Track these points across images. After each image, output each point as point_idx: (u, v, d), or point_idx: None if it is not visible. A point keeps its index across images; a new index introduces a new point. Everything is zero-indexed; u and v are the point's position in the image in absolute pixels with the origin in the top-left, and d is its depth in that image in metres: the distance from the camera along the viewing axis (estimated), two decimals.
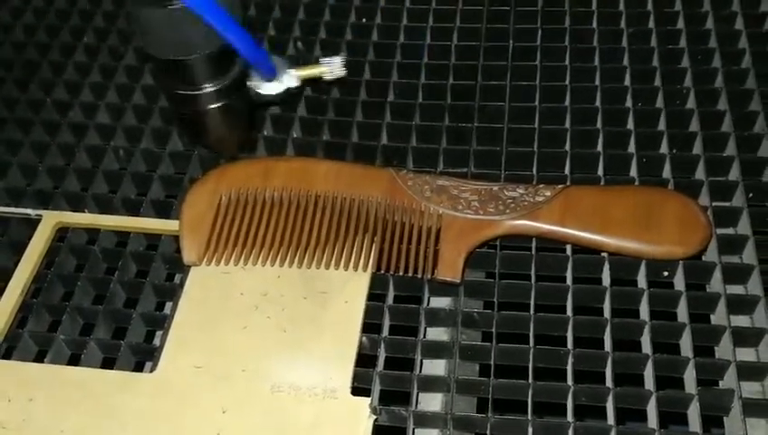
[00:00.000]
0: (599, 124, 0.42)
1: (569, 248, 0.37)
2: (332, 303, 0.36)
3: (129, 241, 0.39)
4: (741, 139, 0.40)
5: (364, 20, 0.48)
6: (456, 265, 0.36)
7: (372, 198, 0.38)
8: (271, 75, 0.38)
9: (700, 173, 0.40)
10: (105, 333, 0.37)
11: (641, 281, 0.36)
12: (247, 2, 0.50)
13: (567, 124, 0.42)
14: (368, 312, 0.35)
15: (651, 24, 0.46)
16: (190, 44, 0.34)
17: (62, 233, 0.40)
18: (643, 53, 0.45)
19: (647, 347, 0.34)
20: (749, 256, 0.37)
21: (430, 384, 0.35)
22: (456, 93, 0.44)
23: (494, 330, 0.35)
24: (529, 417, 0.32)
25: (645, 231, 0.36)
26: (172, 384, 0.34)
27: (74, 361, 0.36)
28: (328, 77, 0.39)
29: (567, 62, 0.45)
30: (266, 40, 0.47)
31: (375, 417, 0.32)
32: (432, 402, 0.35)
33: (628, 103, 0.43)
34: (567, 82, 0.44)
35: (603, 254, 0.37)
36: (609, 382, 0.33)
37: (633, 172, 0.40)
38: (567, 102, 0.43)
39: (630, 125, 0.42)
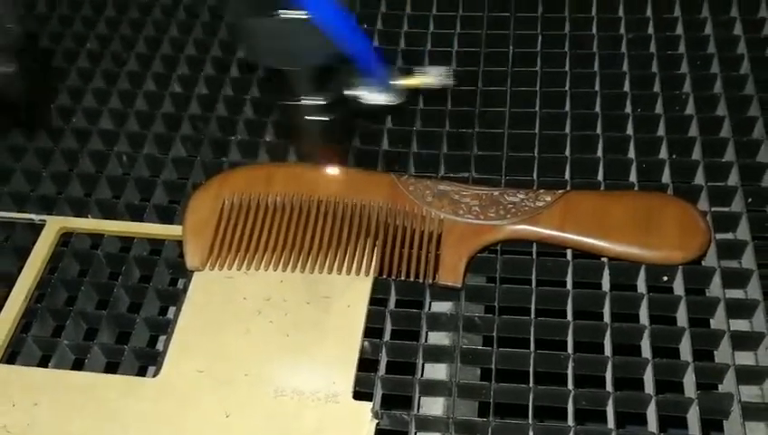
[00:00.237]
0: (598, 130, 0.42)
1: (569, 253, 0.37)
2: (335, 307, 0.36)
3: (132, 246, 0.40)
4: (740, 144, 0.40)
5: (365, 26, 0.48)
6: (457, 270, 0.36)
7: (374, 203, 0.38)
8: (381, 84, 0.36)
9: (699, 178, 0.40)
10: (109, 338, 0.37)
11: (641, 286, 0.36)
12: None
13: (567, 130, 0.42)
14: (370, 316, 0.36)
15: (650, 30, 0.46)
16: (298, 54, 0.33)
17: (65, 238, 0.40)
18: (642, 58, 0.45)
19: (646, 351, 0.35)
20: (748, 260, 0.37)
21: (432, 388, 0.35)
22: (456, 99, 0.44)
23: (494, 334, 0.35)
24: (530, 421, 0.33)
25: (644, 236, 0.36)
26: (175, 388, 0.34)
27: (78, 365, 0.36)
28: (432, 87, 0.37)
29: (567, 68, 0.45)
30: None
31: (377, 421, 0.33)
32: (434, 406, 0.35)
33: (628, 109, 0.43)
34: (567, 88, 0.44)
35: (603, 259, 0.37)
36: (609, 386, 0.34)
37: (633, 177, 0.40)
38: (567, 108, 0.43)
39: (630, 130, 0.42)
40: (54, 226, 0.40)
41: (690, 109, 0.43)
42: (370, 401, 0.33)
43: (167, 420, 0.33)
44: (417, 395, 0.34)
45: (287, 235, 0.37)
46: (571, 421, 0.33)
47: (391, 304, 0.37)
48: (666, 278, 0.37)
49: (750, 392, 0.34)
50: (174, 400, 0.34)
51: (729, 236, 0.39)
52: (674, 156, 0.41)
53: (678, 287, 0.36)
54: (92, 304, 0.39)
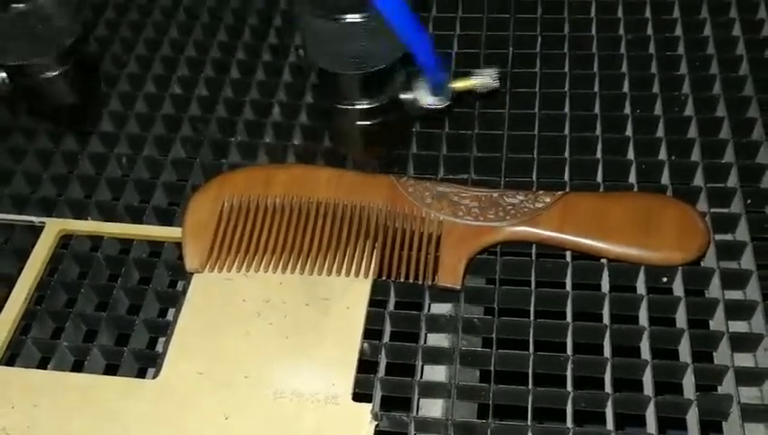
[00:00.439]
0: (598, 131, 0.42)
1: (568, 254, 0.37)
2: (334, 309, 0.36)
3: (132, 248, 0.40)
4: (739, 145, 0.40)
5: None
6: (456, 272, 0.36)
7: (373, 204, 0.38)
8: (439, 86, 0.35)
9: (698, 179, 0.40)
10: (108, 340, 0.37)
11: (640, 287, 0.36)
12: (249, 9, 0.50)
13: (566, 131, 0.42)
14: (369, 318, 0.36)
15: (650, 31, 0.46)
16: (359, 58, 0.32)
17: (65, 240, 0.40)
18: (641, 59, 0.45)
19: (646, 353, 0.35)
20: (747, 261, 0.37)
21: (431, 390, 0.35)
22: (455, 100, 0.44)
23: (494, 336, 0.35)
24: (529, 422, 0.33)
25: (644, 237, 0.36)
26: (175, 390, 0.34)
27: (78, 367, 0.36)
28: (481, 89, 0.37)
29: (566, 69, 0.45)
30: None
31: (376, 423, 0.33)
32: (433, 408, 0.35)
33: (627, 110, 0.43)
34: (566, 89, 0.44)
35: (602, 260, 0.37)
36: (608, 388, 0.34)
37: (632, 178, 0.40)
38: (566, 109, 0.43)
39: (629, 132, 0.42)
40: (54, 228, 0.40)
41: (689, 110, 0.43)
42: (370, 402, 0.33)
43: (166, 421, 0.33)
44: (416, 397, 0.34)
45: (286, 236, 0.38)
46: (570, 423, 0.33)
47: (391, 306, 0.37)
48: (665, 279, 0.37)
49: (749, 394, 0.34)
50: (173, 401, 0.34)
51: (728, 237, 0.39)
52: (673, 157, 0.41)
53: (678, 288, 0.36)
54: (92, 305, 0.39)
